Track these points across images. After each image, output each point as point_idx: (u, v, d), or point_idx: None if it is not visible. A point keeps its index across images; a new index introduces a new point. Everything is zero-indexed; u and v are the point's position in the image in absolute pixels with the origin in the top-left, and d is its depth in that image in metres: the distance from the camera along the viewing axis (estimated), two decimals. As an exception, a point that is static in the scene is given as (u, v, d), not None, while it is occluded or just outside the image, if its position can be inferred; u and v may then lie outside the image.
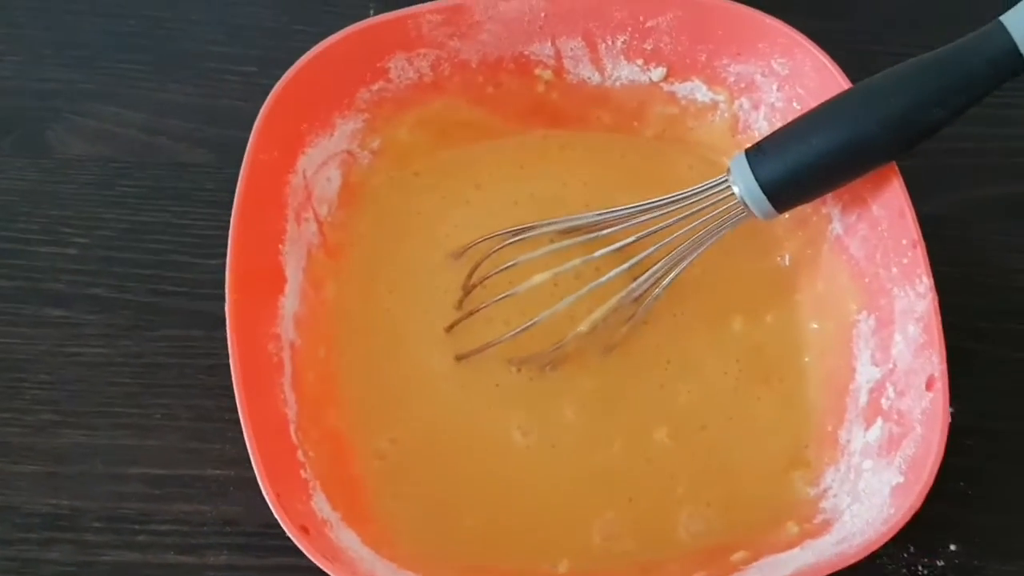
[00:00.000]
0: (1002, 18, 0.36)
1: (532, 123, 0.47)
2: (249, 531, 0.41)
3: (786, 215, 0.44)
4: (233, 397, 0.36)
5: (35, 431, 0.43)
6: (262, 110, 0.40)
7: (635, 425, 0.42)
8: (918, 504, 0.34)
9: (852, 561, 0.34)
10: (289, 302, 0.41)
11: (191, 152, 0.49)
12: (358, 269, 0.44)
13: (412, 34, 0.43)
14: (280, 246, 0.41)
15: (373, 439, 0.41)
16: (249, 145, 0.39)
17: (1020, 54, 0.36)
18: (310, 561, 0.39)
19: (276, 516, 0.34)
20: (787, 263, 0.45)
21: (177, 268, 0.47)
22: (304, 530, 0.34)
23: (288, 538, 0.40)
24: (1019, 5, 0.36)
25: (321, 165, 0.43)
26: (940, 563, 0.41)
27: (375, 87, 0.44)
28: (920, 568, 0.41)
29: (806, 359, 0.43)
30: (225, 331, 0.37)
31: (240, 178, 0.39)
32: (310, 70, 0.41)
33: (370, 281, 0.44)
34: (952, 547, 0.42)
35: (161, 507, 0.42)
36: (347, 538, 0.37)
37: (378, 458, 0.41)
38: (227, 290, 0.37)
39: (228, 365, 0.37)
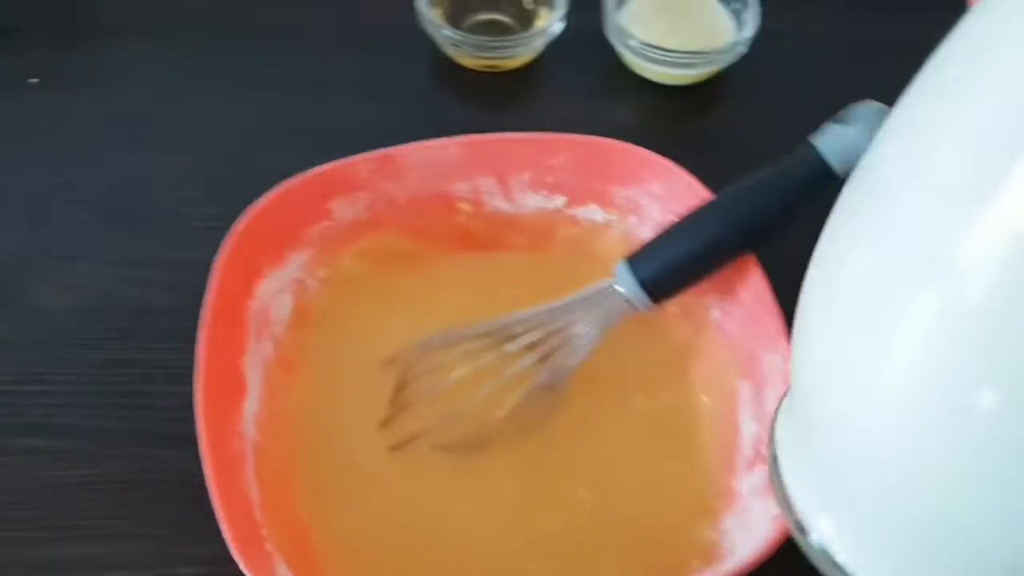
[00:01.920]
0: (813, 140, 0.46)
1: (458, 248, 0.54)
2: None
3: (673, 307, 0.52)
4: (204, 504, 0.41)
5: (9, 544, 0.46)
6: (225, 246, 0.48)
7: (561, 490, 0.47)
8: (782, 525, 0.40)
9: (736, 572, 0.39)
10: (250, 406, 0.47)
11: (164, 297, 0.54)
12: (308, 379, 0.50)
13: (351, 179, 0.51)
14: (243, 359, 0.48)
15: (329, 525, 0.46)
16: (212, 277, 0.47)
17: (831, 168, 0.45)
18: None
19: (244, 570, 0.39)
20: (679, 348, 0.52)
21: (147, 396, 0.51)
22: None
23: None
24: (826, 130, 0.46)
25: (276, 293, 0.51)
26: None
27: (321, 225, 0.52)
28: None
29: (702, 427, 0.49)
30: (196, 449, 0.42)
31: (206, 302, 0.46)
32: (265, 213, 0.49)
33: (318, 389, 0.50)
34: None
35: None
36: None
37: (337, 539, 0.46)
38: (196, 392, 0.43)
39: (193, 481, 0.41)
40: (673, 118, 0.63)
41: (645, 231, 0.53)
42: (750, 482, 0.45)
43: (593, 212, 0.54)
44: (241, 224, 0.48)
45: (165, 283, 0.54)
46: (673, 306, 0.52)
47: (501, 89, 0.63)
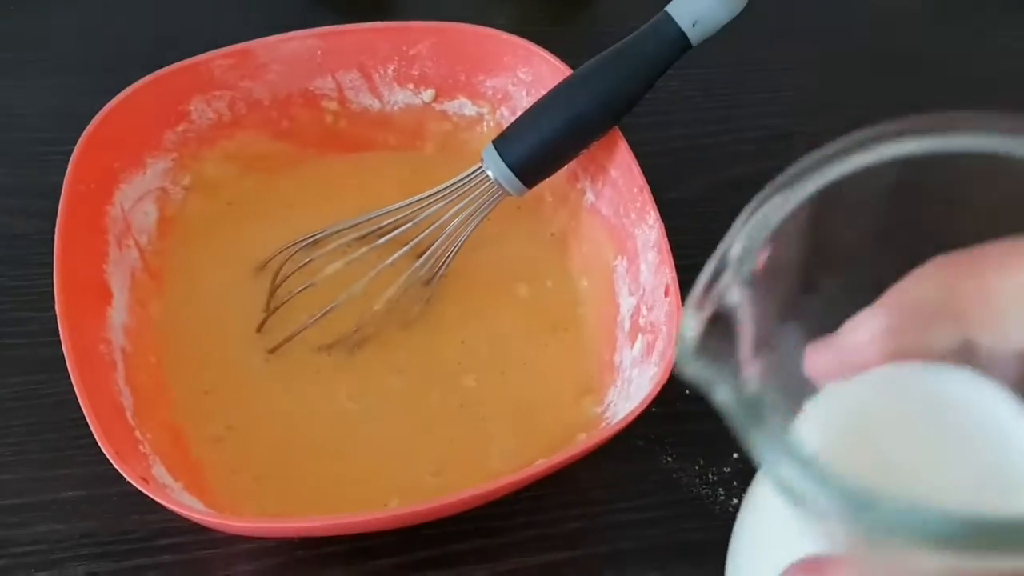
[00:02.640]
0: (667, 8, 0.46)
1: (327, 149, 0.53)
2: (104, 540, 0.44)
3: (548, 196, 0.52)
4: (80, 427, 0.39)
5: None
6: (76, 147, 0.45)
7: (447, 378, 0.47)
8: (665, 378, 0.40)
9: (614, 430, 0.39)
10: (117, 314, 0.45)
11: (25, 224, 0.53)
12: (179, 288, 0.49)
13: (206, 78, 0.49)
14: (104, 265, 0.45)
15: (208, 428, 0.45)
16: (67, 176, 0.44)
17: (686, 36, 0.45)
18: (164, 557, 0.44)
19: (116, 466, 0.37)
20: (557, 235, 0.52)
21: (19, 323, 0.50)
22: (144, 480, 0.38)
23: (142, 539, 0.44)
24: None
25: (137, 200, 0.49)
26: (726, 470, 0.47)
27: (179, 128, 0.50)
28: (711, 476, 0.47)
29: (581, 309, 0.50)
30: (67, 372, 0.40)
31: (61, 203, 0.44)
32: (117, 113, 0.47)
33: (189, 298, 0.48)
34: (734, 455, 0.47)
35: (19, 532, 0.44)
36: (189, 501, 0.41)
37: (215, 442, 0.45)
38: (56, 291, 0.41)
39: (73, 401, 0.39)
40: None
41: (516, 121, 0.53)
42: (630, 355, 0.46)
43: (463, 105, 0.54)
44: (93, 125, 0.46)
45: (24, 209, 0.53)
46: (549, 195, 0.52)
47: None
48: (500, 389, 0.47)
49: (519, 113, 0.52)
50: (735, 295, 0.23)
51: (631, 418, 0.39)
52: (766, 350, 0.23)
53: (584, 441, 0.41)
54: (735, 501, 0.46)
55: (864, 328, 0.25)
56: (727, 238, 0.24)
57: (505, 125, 0.53)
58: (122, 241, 0.47)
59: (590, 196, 0.51)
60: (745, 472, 0.47)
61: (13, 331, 0.50)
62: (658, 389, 0.40)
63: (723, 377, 0.22)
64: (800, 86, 0.64)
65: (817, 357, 0.25)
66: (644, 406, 0.40)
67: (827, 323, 0.25)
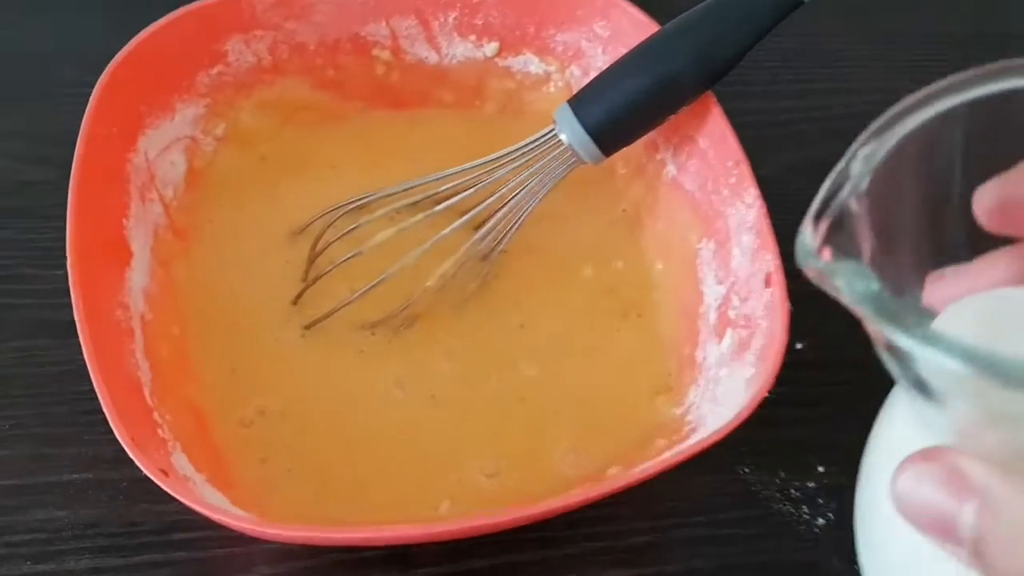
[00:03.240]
0: None
1: (376, 104, 0.48)
2: (111, 532, 0.39)
3: (621, 167, 0.46)
4: (87, 401, 0.34)
5: None
6: (98, 85, 0.40)
7: (504, 365, 0.42)
8: (769, 383, 0.35)
9: (709, 443, 0.34)
10: (137, 276, 0.40)
11: (33, 171, 0.48)
12: (206, 251, 0.43)
13: (247, 15, 0.44)
14: (124, 220, 0.40)
15: (236, 411, 0.40)
16: (85, 118, 0.39)
17: None
18: (178, 554, 0.39)
19: (132, 456, 0.32)
20: (630, 212, 0.46)
21: (22, 280, 0.45)
22: (163, 473, 0.32)
23: (153, 532, 0.39)
24: None
25: (164, 149, 0.43)
26: (811, 485, 0.42)
27: (214, 71, 0.44)
28: (792, 491, 0.42)
29: (657, 296, 0.44)
30: (75, 338, 0.35)
31: (77, 148, 0.39)
32: (145, 49, 0.41)
33: (219, 262, 0.43)
34: (820, 468, 0.42)
35: (15, 519, 0.39)
36: (212, 496, 0.35)
37: (242, 427, 0.40)
38: (68, 251, 0.36)
39: (80, 371, 0.35)
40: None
41: (589, 83, 0.47)
42: (716, 351, 0.40)
43: (529, 62, 0.48)
44: (117, 61, 0.41)
45: (35, 155, 0.49)
46: (621, 166, 0.47)
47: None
48: (564, 380, 0.42)
49: (592, 73, 0.47)
50: (853, 206, 0.24)
51: (729, 428, 0.34)
52: (878, 269, 0.23)
53: (669, 450, 0.36)
54: (820, 521, 0.41)
55: (1003, 264, 0.25)
56: (849, 152, 0.24)
57: (575, 86, 0.47)
58: (145, 194, 0.42)
59: (671, 169, 0.45)
60: (831, 488, 0.42)
61: (17, 289, 0.45)
62: (761, 396, 0.35)
63: (852, 271, 0.22)
64: (880, 63, 0.59)
65: (944, 286, 0.26)
66: (745, 414, 0.34)
67: (940, 248, 0.26)
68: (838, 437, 0.42)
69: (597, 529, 0.40)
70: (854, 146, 0.24)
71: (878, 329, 0.22)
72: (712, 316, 0.41)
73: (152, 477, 0.32)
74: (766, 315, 0.37)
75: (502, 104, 0.49)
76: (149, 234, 0.42)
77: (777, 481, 0.42)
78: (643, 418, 0.41)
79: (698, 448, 0.34)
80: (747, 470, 0.42)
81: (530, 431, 0.40)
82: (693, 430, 0.38)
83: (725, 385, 0.38)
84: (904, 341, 0.21)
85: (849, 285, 0.22)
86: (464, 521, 0.33)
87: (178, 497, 0.32)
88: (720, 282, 0.41)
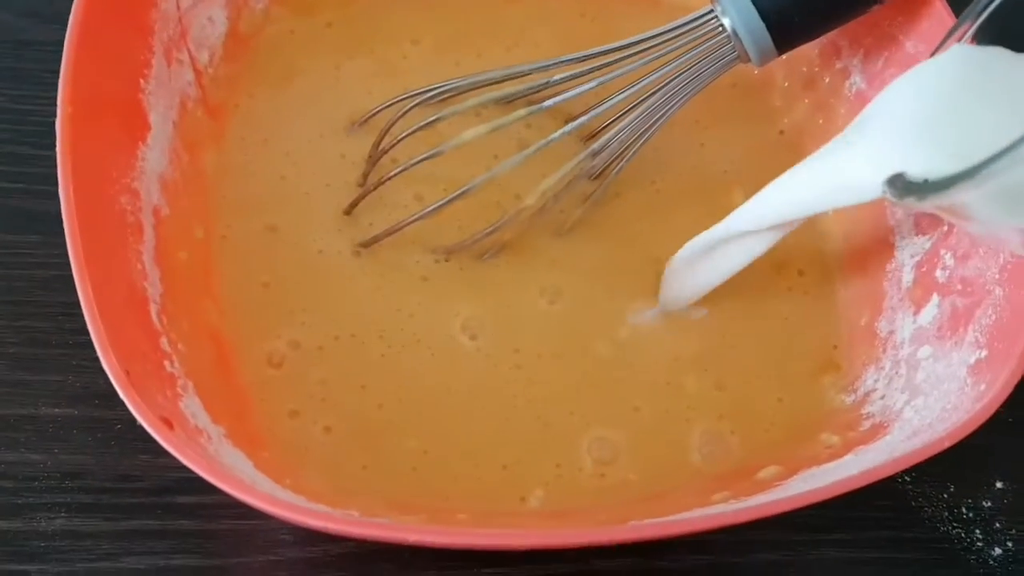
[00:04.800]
0: None
1: (474, -30, 0.39)
2: (96, 486, 0.32)
3: (782, 76, 0.37)
4: (80, 318, 0.26)
5: None
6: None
7: (618, 315, 0.33)
8: (1018, 372, 0.26)
9: (942, 447, 0.26)
10: (153, 156, 0.31)
11: (36, 29, 0.41)
12: (245, 136, 0.35)
13: None
14: (142, 81, 0.31)
15: (264, 343, 0.32)
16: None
17: None
18: (179, 522, 0.31)
19: (124, 396, 0.24)
20: (788, 134, 0.38)
21: (14, 161, 0.38)
22: (167, 423, 0.23)
23: (150, 491, 0.32)
24: None
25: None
26: (986, 504, 0.35)
27: (273, -102, 0.35)
28: (963, 511, 0.35)
29: (825, 246, 0.35)
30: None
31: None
32: None
33: (258, 152, 0.35)
34: (998, 485, 0.35)
35: None
36: (232, 457, 0.26)
37: (271, 366, 0.31)
38: (59, 102, 0.27)
39: (71, 277, 0.27)
40: None
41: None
42: (910, 324, 0.31)
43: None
44: None
45: (34, 9, 0.42)
46: (782, 75, 0.38)
47: None
48: (697, 341, 0.33)
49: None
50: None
51: (955, 437, 0.25)
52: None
53: (847, 451, 0.28)
54: (996, 551, 0.35)
55: None
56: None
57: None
58: (172, 53, 0.33)
59: (857, 80, 0.36)
60: (1013, 510, 0.35)
61: (5, 171, 0.38)
62: (1007, 392, 0.26)
63: None
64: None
65: None
66: (982, 418, 0.25)
67: None
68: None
69: (708, 539, 0.33)
70: None
71: None
72: (906, 277, 0.33)
73: (149, 428, 0.23)
74: (1003, 279, 0.28)
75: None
76: (174, 106, 0.33)
77: (945, 496, 0.36)
78: (803, 402, 0.32)
79: (903, 463, 0.25)
80: (907, 480, 0.35)
81: (657, 409, 0.32)
82: (881, 425, 0.30)
83: (930, 371, 0.30)
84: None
85: None
86: (579, 533, 0.24)
87: (183, 459, 0.23)
88: (921, 232, 0.33)
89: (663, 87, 0.34)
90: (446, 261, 0.34)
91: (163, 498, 0.32)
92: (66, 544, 0.31)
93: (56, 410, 0.33)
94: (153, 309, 0.28)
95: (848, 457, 0.28)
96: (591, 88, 0.34)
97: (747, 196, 0.34)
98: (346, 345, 0.32)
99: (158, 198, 0.31)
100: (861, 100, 0.35)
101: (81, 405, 0.34)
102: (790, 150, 0.37)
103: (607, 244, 0.35)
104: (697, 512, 0.26)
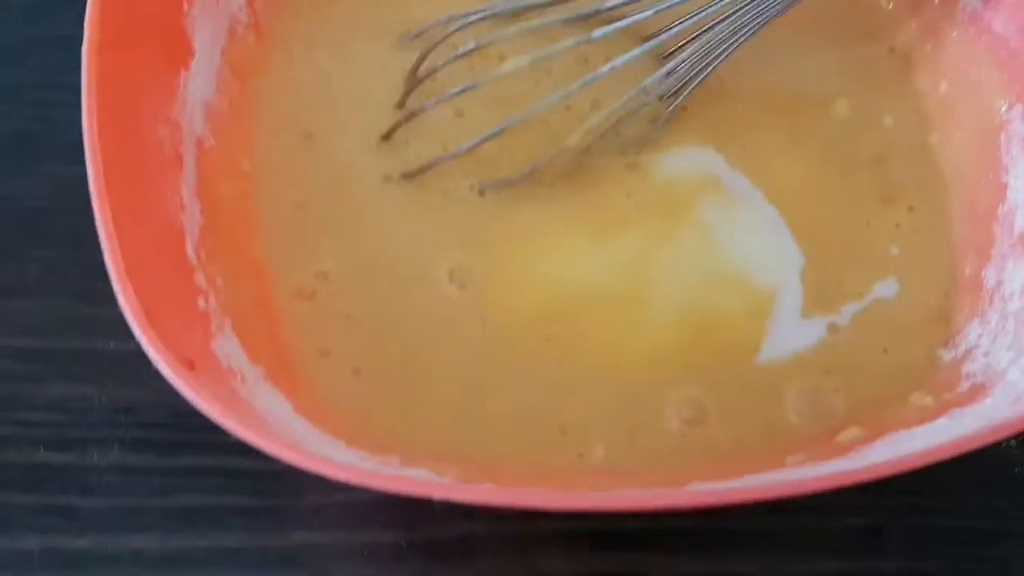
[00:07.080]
0: None
1: None
2: (150, 421, 0.31)
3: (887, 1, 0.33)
4: None
5: None
6: None
7: (695, 250, 0.30)
8: None
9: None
10: (198, 85, 0.29)
11: None
12: (287, 55, 0.33)
13: None
14: (185, 5, 0.29)
15: (295, 272, 0.30)
16: None
17: None
18: (235, 459, 0.29)
19: (136, 331, 0.22)
20: (898, 53, 0.34)
21: (75, 91, 0.35)
22: (189, 364, 0.22)
23: (206, 430, 0.28)
24: None
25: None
26: None
27: None
28: None
29: (931, 182, 0.32)
30: None
31: None
32: None
33: (302, 70, 0.33)
34: None
35: (29, 389, 0.32)
36: (269, 398, 0.25)
37: (302, 299, 0.29)
38: (87, 27, 0.25)
39: None
40: None
41: None
42: (1020, 276, 0.28)
43: None
44: None
45: None
46: None
47: None
48: (792, 284, 0.30)
49: None
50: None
51: None
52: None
53: (942, 414, 0.25)
54: None
55: None
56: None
57: None
58: None
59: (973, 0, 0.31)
60: None
61: (61, 99, 0.35)
62: None
63: None
64: None
65: None
66: None
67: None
68: None
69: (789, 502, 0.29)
70: None
71: None
72: (1020, 222, 0.29)
73: (163, 370, 0.22)
74: None
75: None
76: (222, 30, 0.31)
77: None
78: (901, 359, 0.29)
79: (1004, 431, 0.22)
80: (1013, 443, 0.31)
81: (741, 354, 0.29)
82: (982, 386, 0.26)
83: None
84: None
85: None
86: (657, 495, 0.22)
87: (199, 405, 0.22)
88: (1036, 168, 0.28)
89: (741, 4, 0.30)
90: (490, 195, 0.31)
91: (218, 436, 0.30)
92: (117, 479, 0.30)
93: (112, 344, 0.32)
94: (190, 243, 0.26)
95: (942, 420, 0.25)
96: (652, 14, 0.31)
97: (853, 109, 0.31)
98: (378, 278, 0.30)
99: (202, 129, 0.29)
100: (978, 22, 0.31)
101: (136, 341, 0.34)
102: (900, 70, 0.33)
103: (678, 169, 0.32)
104: (767, 476, 0.24)
